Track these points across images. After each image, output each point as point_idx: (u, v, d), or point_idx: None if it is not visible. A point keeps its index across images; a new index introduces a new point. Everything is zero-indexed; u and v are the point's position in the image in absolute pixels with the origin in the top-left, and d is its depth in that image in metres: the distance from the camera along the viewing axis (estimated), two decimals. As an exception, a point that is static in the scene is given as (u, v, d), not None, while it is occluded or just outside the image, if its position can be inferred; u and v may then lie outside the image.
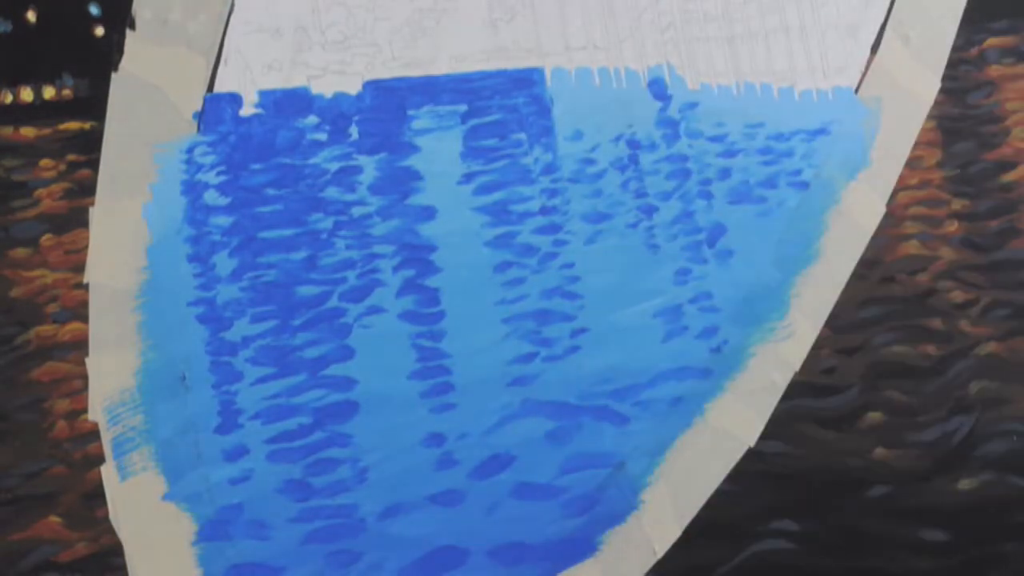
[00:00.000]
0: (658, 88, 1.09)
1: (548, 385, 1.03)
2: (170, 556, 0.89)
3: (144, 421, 0.88)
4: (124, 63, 0.87)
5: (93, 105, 0.86)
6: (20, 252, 0.87)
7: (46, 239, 0.86)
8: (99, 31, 0.87)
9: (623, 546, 1.06)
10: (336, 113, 0.95)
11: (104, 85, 0.87)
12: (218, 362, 0.91)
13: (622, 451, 1.07)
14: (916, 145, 1.26)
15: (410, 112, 0.98)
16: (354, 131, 0.95)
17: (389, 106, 0.97)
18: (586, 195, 1.05)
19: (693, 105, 1.11)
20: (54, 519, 0.87)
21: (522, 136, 1.03)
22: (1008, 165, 1.42)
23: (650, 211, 1.08)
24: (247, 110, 0.92)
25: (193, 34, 0.89)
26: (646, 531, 1.06)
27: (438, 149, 0.99)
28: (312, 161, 0.94)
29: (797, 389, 1.15)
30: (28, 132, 0.89)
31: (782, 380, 1.14)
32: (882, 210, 1.23)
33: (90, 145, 0.87)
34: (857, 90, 1.21)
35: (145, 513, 0.88)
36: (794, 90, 1.17)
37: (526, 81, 1.03)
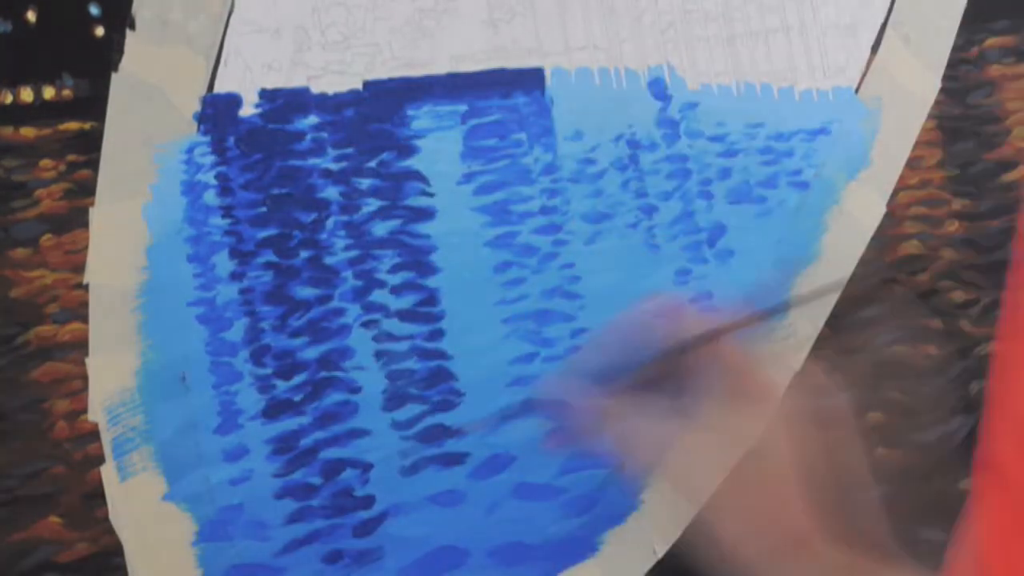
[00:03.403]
0: (658, 88, 1.09)
1: None
2: (170, 556, 0.89)
3: (144, 421, 0.88)
4: (124, 63, 0.87)
5: (93, 105, 0.86)
6: (20, 252, 0.87)
7: (46, 239, 0.86)
8: (99, 31, 0.87)
9: (623, 546, 1.06)
10: (336, 113, 0.95)
11: (104, 85, 0.87)
12: (218, 362, 0.91)
13: (622, 451, 1.07)
14: (916, 145, 1.26)
15: (410, 112, 0.98)
16: (354, 131, 0.96)
17: (389, 106, 0.97)
18: (586, 195, 1.05)
19: (693, 105, 1.11)
20: (54, 519, 0.87)
21: (522, 136, 1.03)
22: (1009, 165, 1.42)
23: (650, 211, 1.08)
24: (247, 110, 0.92)
25: (193, 34, 0.89)
26: (646, 531, 1.06)
27: (438, 149, 0.99)
28: (312, 161, 0.94)
29: (797, 389, 1.15)
30: (28, 132, 0.89)
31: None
32: (882, 210, 1.23)
33: (90, 145, 0.87)
34: (857, 90, 1.21)
35: (145, 513, 0.88)
36: (794, 90, 1.17)
37: (526, 81, 1.03)
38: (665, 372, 0.80)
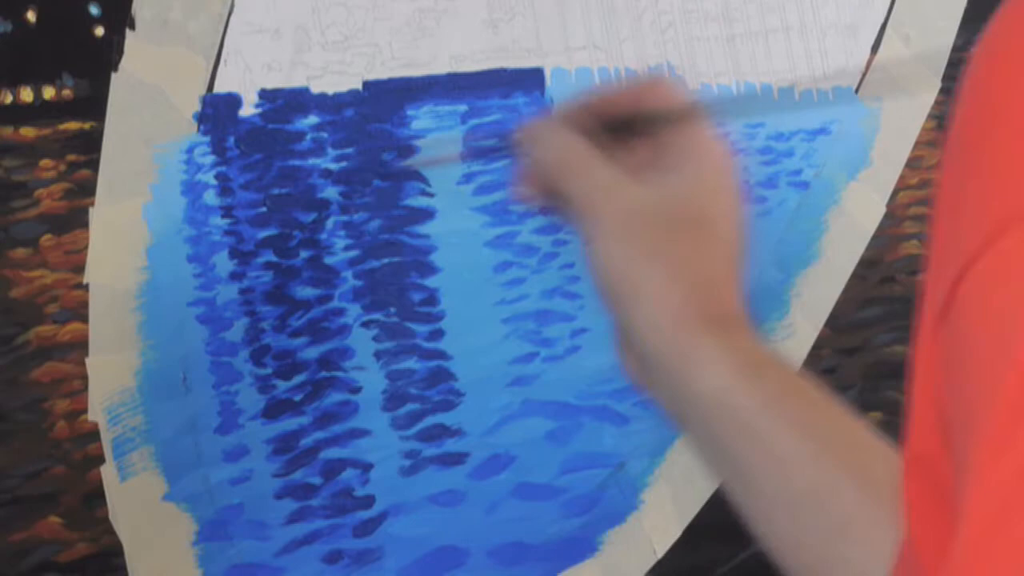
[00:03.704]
0: (658, 88, 1.09)
1: (548, 385, 1.03)
2: (170, 556, 0.89)
3: (144, 421, 0.88)
4: (124, 63, 0.87)
5: (93, 105, 0.86)
6: (20, 252, 0.87)
7: (46, 239, 0.86)
8: (99, 31, 0.87)
9: (623, 546, 1.06)
10: (336, 113, 0.95)
11: (104, 85, 0.87)
12: (218, 362, 0.91)
13: (622, 451, 1.07)
14: (916, 145, 1.26)
15: (410, 112, 0.98)
16: (354, 131, 0.96)
17: (389, 106, 0.97)
18: (586, 195, 1.05)
19: (693, 105, 1.11)
20: (54, 519, 0.87)
21: (522, 136, 1.03)
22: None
23: (650, 211, 1.08)
24: (247, 110, 0.92)
25: (193, 34, 0.89)
26: (646, 531, 1.06)
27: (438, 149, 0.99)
28: (312, 161, 0.94)
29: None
30: (28, 132, 0.89)
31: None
32: (882, 210, 1.23)
33: (90, 145, 0.87)
34: (857, 90, 1.21)
35: (145, 513, 0.88)
36: (794, 90, 1.17)
37: (526, 81, 1.03)
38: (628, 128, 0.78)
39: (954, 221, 0.41)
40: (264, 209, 0.92)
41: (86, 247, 0.87)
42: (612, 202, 0.74)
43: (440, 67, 0.99)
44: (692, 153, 0.74)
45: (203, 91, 0.90)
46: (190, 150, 0.90)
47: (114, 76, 0.87)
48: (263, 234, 0.92)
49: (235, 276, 0.91)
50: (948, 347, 0.40)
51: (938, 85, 1.25)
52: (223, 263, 0.91)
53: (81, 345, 0.87)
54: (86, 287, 0.87)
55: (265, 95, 0.92)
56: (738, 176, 0.75)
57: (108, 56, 0.87)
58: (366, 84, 0.96)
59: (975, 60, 0.44)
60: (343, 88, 0.95)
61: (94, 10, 0.91)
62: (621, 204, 0.74)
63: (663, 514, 1.07)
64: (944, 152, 0.44)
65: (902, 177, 1.24)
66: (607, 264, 0.76)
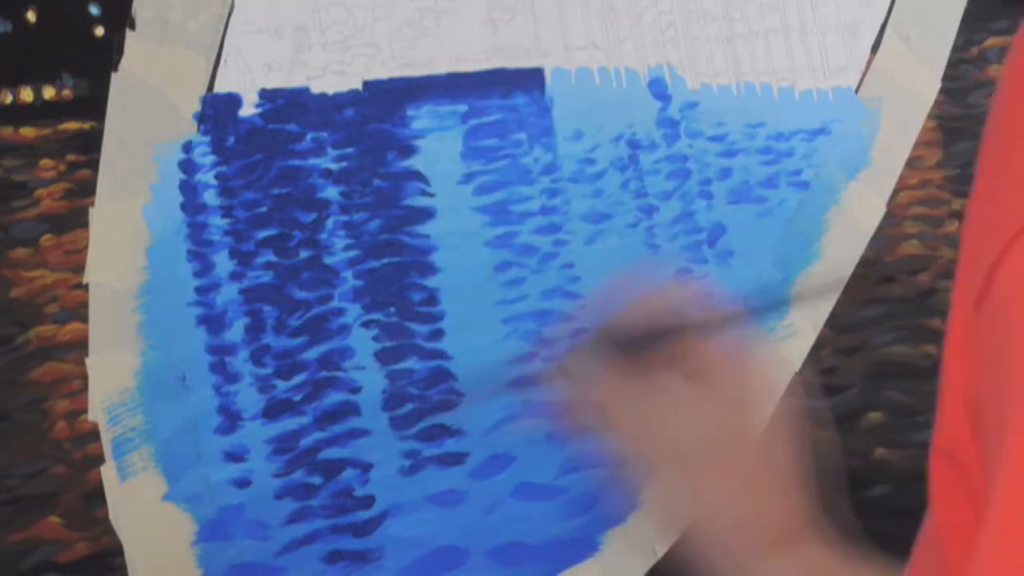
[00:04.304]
0: (658, 88, 1.09)
1: (548, 385, 1.03)
2: (170, 556, 0.89)
3: (144, 421, 0.88)
4: (124, 63, 0.87)
5: (93, 105, 0.86)
6: (20, 252, 0.87)
7: (46, 239, 0.86)
8: (99, 31, 0.87)
9: (623, 546, 1.06)
10: (336, 113, 0.95)
11: (104, 85, 0.87)
12: (218, 362, 0.91)
13: (622, 451, 1.07)
14: (916, 145, 1.26)
15: (410, 112, 0.98)
16: (354, 131, 0.96)
17: (389, 106, 0.97)
18: (586, 195, 1.05)
19: (693, 105, 1.11)
20: (54, 519, 0.87)
21: (522, 136, 1.03)
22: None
23: (650, 211, 1.08)
24: (247, 110, 0.92)
25: (193, 34, 0.89)
26: (646, 531, 1.06)
27: (438, 149, 0.99)
28: (311, 161, 0.94)
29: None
30: (28, 132, 0.89)
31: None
32: (882, 210, 1.23)
33: (90, 145, 0.87)
34: (857, 90, 1.21)
35: (145, 513, 0.88)
36: (794, 90, 1.17)
37: (526, 81, 1.03)
38: (678, 349, 0.78)
39: (990, 210, 0.41)
40: (264, 209, 0.92)
41: (86, 247, 0.87)
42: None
43: (440, 67, 0.99)
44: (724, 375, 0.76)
45: (203, 91, 0.90)
46: (190, 150, 0.90)
47: (114, 76, 0.87)
48: (263, 234, 0.92)
49: (235, 276, 0.91)
50: (985, 334, 0.39)
51: (938, 85, 1.25)
52: (223, 263, 0.91)
53: (81, 345, 0.87)
54: (86, 287, 0.87)
55: (265, 95, 0.92)
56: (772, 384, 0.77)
57: (108, 56, 0.87)
58: (366, 84, 0.96)
59: (1017, 46, 0.43)
60: (343, 88, 0.95)
61: (94, 10, 0.91)
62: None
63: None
64: (982, 142, 0.44)
65: (902, 177, 1.24)
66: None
